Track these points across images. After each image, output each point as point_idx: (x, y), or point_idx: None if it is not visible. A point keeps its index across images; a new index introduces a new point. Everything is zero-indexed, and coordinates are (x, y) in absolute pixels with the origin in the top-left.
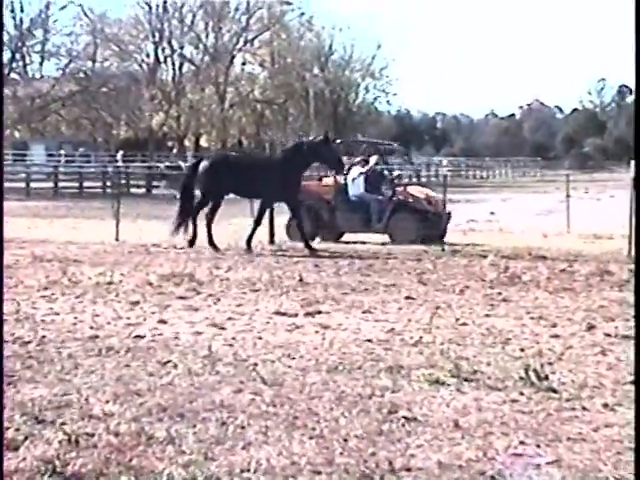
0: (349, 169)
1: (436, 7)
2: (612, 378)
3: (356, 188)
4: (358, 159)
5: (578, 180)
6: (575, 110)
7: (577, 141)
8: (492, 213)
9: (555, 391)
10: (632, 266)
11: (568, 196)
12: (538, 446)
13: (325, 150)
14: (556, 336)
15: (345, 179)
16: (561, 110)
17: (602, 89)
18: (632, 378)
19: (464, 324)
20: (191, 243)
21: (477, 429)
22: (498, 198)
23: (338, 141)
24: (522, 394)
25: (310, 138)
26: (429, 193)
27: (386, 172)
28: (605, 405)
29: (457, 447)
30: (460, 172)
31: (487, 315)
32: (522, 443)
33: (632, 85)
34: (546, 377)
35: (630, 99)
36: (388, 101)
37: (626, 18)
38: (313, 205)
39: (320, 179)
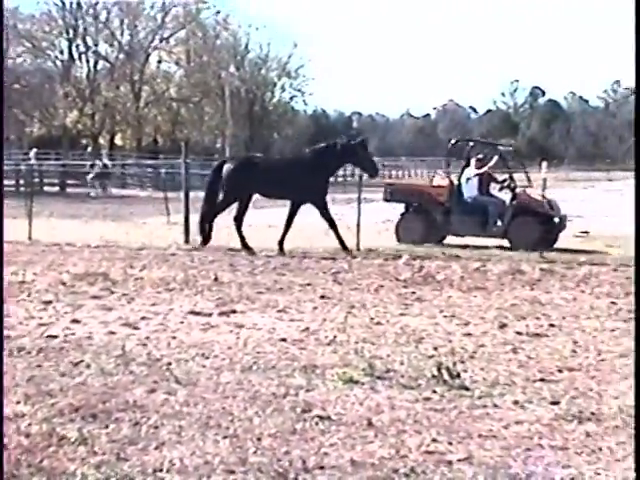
0: (462, 170)
1: (352, 6)
2: (523, 376)
3: (470, 189)
4: (474, 159)
5: None
6: (489, 111)
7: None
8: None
9: (467, 389)
10: (544, 265)
11: None
12: (450, 443)
13: (360, 152)
14: (469, 334)
15: (459, 180)
16: (475, 111)
17: (515, 90)
18: (541, 376)
19: (378, 323)
20: (205, 242)
21: (390, 427)
22: None
23: (453, 141)
24: (435, 392)
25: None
26: (547, 196)
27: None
28: (515, 402)
29: (370, 445)
30: None
31: (401, 314)
32: (434, 441)
33: (554, 86)
34: (458, 375)
35: (542, 100)
36: (304, 100)
37: (540, 20)
38: (425, 207)
39: (431, 180)
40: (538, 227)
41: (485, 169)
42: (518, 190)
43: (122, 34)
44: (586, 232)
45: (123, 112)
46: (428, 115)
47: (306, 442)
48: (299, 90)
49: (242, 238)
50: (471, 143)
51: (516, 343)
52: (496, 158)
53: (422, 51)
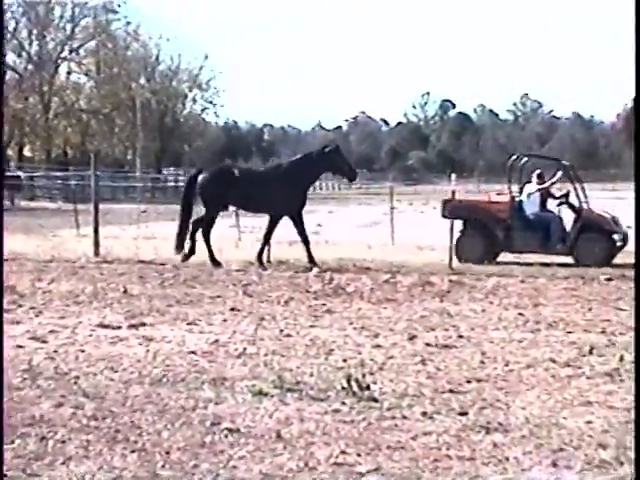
0: (523, 185)
1: (261, 18)
2: (431, 387)
3: (532, 205)
4: (535, 174)
5: (402, 192)
6: (400, 123)
7: (402, 154)
8: (319, 225)
9: (376, 400)
10: (453, 277)
11: (392, 208)
12: (359, 455)
13: (337, 159)
14: (378, 346)
15: (520, 196)
16: (387, 123)
17: (426, 103)
18: (450, 387)
19: (288, 335)
20: (186, 258)
21: (299, 439)
22: (325, 210)
23: (514, 157)
24: (344, 404)
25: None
26: (611, 213)
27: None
28: (424, 413)
29: (279, 458)
30: None
31: (311, 326)
32: (343, 452)
33: (464, 99)
34: (367, 387)
35: (453, 113)
36: (215, 112)
37: (449, 32)
38: (486, 223)
39: (489, 196)
40: (605, 244)
41: (548, 184)
42: (581, 206)
43: (31, 45)
44: None
45: (32, 123)
46: (340, 127)
47: (215, 455)
48: (210, 102)
49: (210, 251)
50: (525, 158)
51: (425, 354)
52: (560, 174)
53: (333, 63)
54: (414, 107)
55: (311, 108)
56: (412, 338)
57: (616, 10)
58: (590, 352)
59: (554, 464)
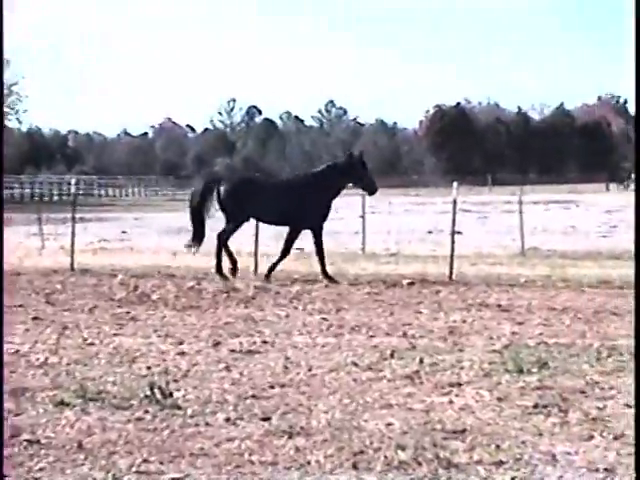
0: None
1: (67, 25)
2: (235, 393)
3: None
4: None
5: None
6: (206, 130)
7: (207, 160)
8: (124, 232)
9: (179, 408)
10: (258, 283)
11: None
12: (161, 463)
13: (361, 171)
14: (182, 353)
15: None
16: (193, 129)
17: (232, 109)
18: (253, 392)
19: (91, 344)
20: (219, 273)
21: (101, 449)
22: (130, 217)
23: None
24: (147, 412)
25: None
26: None
27: None
28: (227, 420)
29: (80, 468)
30: (92, 191)
31: (115, 334)
32: (146, 461)
33: (270, 105)
34: (171, 394)
35: (259, 119)
36: (18, 118)
37: (255, 39)
38: None
39: None
40: None
41: None
42: None
43: None
44: (300, 249)
45: None
46: (145, 134)
47: (14, 468)
48: (12, 108)
49: (219, 261)
50: None
51: (229, 361)
52: None
53: (138, 68)
54: (220, 113)
55: (117, 114)
56: (216, 344)
57: (416, 23)
58: (391, 355)
59: (355, 466)
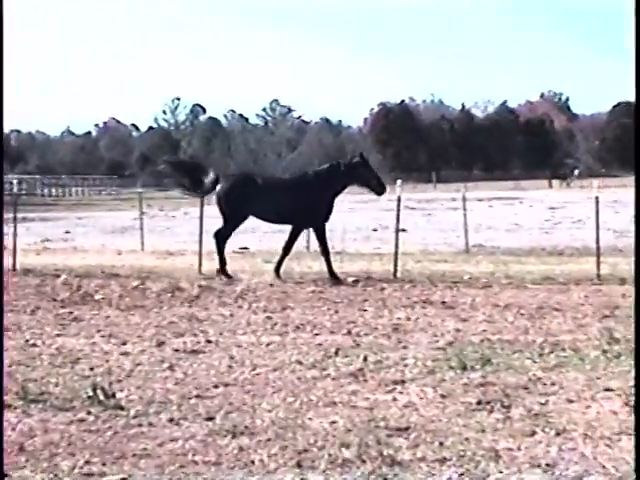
0: None
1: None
2: (179, 393)
3: None
4: None
5: (154, 198)
6: (151, 128)
7: (152, 159)
8: (67, 232)
9: (122, 408)
10: (203, 282)
11: (142, 214)
12: (104, 464)
13: (364, 171)
14: (126, 353)
15: None
16: (137, 128)
17: (176, 108)
18: (197, 392)
19: (34, 345)
20: (224, 273)
21: (43, 451)
22: (74, 216)
23: None
24: (90, 413)
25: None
26: None
27: None
28: (171, 420)
29: (22, 471)
30: (35, 190)
31: (58, 335)
32: (88, 462)
33: (214, 104)
34: (114, 395)
35: (203, 118)
36: None
37: (198, 38)
38: None
39: None
40: None
41: None
42: None
43: None
44: (245, 248)
45: None
46: (89, 133)
47: None
48: None
49: (222, 261)
50: None
51: (173, 360)
52: None
53: (81, 67)
54: (164, 112)
55: (60, 113)
56: (160, 344)
57: (360, 21)
58: (336, 353)
59: (299, 465)
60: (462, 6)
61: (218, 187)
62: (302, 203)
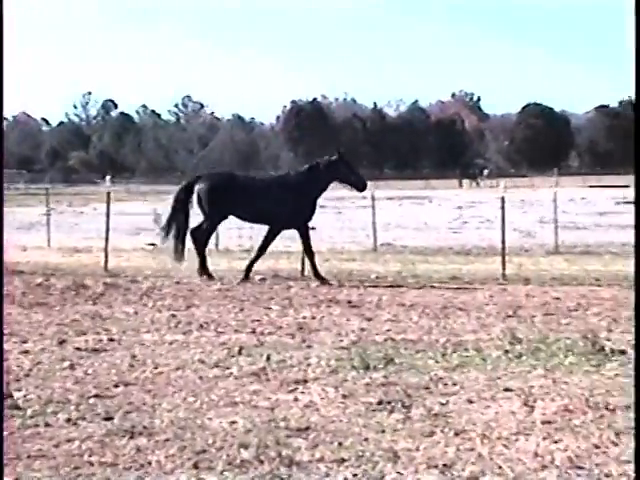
0: None
1: None
2: (78, 392)
3: None
4: None
5: (63, 193)
6: (61, 123)
7: (62, 154)
8: None
9: (19, 408)
10: (108, 279)
11: (49, 210)
12: None
13: (344, 168)
14: (26, 352)
15: None
16: (48, 123)
17: (87, 103)
18: (97, 392)
19: None
20: (205, 273)
21: None
22: None
23: None
24: None
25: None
26: None
27: None
28: (68, 420)
29: None
30: None
31: None
32: None
33: (126, 99)
34: (11, 395)
35: (115, 113)
36: None
37: (110, 34)
38: None
39: None
40: None
41: None
42: None
43: None
44: (153, 244)
45: None
46: None
47: None
48: None
49: (203, 260)
50: None
51: (74, 359)
52: None
53: None
54: (75, 107)
55: None
56: (62, 343)
57: (273, 17)
58: (239, 352)
59: (196, 466)
60: (375, 4)
61: (199, 185)
62: (287, 203)
